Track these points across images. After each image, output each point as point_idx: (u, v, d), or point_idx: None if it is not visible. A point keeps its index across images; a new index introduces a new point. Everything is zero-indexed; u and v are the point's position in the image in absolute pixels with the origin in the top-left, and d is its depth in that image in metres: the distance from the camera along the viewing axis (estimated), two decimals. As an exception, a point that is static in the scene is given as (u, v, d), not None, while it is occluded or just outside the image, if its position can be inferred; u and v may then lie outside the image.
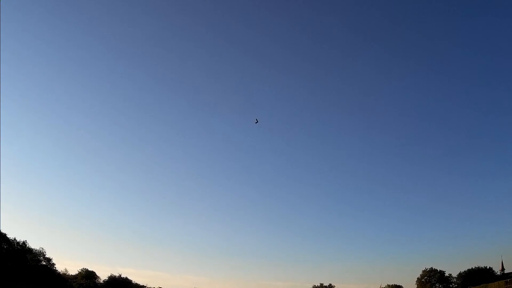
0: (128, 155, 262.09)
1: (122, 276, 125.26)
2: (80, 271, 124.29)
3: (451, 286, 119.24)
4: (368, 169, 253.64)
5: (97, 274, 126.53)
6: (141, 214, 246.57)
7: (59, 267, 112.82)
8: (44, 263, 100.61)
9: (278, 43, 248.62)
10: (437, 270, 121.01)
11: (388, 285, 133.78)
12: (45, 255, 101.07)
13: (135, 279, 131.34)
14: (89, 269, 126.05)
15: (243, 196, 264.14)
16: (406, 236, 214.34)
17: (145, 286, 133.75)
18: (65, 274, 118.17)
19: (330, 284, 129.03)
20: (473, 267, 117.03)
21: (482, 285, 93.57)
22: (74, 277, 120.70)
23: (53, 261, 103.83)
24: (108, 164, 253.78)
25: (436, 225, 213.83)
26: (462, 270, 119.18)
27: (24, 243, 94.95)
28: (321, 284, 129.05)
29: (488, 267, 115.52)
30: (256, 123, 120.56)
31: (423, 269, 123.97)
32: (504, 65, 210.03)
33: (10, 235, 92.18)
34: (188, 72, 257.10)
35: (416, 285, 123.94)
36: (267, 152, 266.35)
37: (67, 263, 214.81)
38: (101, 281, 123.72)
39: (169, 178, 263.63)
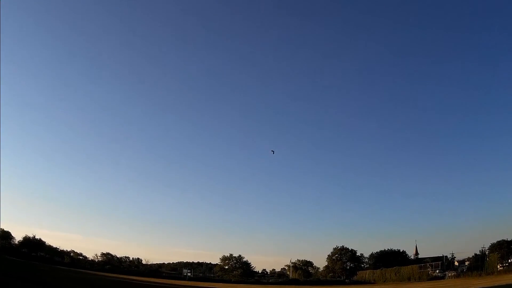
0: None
1: (36, 237, 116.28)
2: None
3: (362, 266, 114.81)
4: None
5: (13, 234, 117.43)
6: (56, 174, 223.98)
7: None
8: None
9: None
10: (348, 248, 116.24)
11: (298, 260, 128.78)
12: None
13: (49, 240, 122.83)
14: (5, 230, 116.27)
15: (159, 161, 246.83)
16: (320, 214, 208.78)
17: (58, 249, 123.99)
18: None
19: (240, 255, 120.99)
20: (386, 249, 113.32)
21: (395, 267, 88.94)
22: None
23: None
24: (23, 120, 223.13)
25: (350, 207, 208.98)
26: (374, 251, 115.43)
27: None
28: (231, 255, 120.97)
29: (401, 250, 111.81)
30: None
31: (334, 246, 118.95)
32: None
33: None
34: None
35: (327, 262, 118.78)
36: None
37: None
38: (16, 242, 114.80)
39: (86, 137, 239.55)
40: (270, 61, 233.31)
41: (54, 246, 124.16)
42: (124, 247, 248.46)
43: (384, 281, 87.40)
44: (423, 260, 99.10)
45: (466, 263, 79.76)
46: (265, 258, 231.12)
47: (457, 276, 68.13)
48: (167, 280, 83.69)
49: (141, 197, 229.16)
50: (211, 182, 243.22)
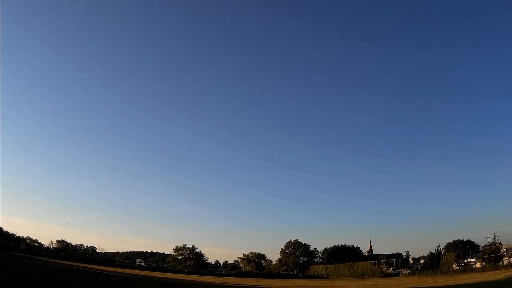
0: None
1: None
2: None
3: (316, 260, 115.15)
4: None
5: None
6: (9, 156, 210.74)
7: None
8: None
9: None
10: (301, 242, 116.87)
11: (251, 253, 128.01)
12: None
13: (3, 226, 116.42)
14: None
15: (117, 149, 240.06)
16: (274, 208, 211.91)
17: (14, 235, 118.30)
18: None
19: (193, 246, 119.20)
20: (340, 244, 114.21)
21: (349, 263, 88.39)
22: None
23: None
24: None
25: (305, 202, 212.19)
26: (328, 246, 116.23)
27: None
28: (184, 245, 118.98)
29: (355, 246, 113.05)
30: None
31: (288, 240, 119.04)
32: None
33: None
34: None
35: (280, 256, 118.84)
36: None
37: None
38: None
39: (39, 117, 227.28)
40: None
41: (10, 232, 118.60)
42: (79, 235, 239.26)
43: (338, 276, 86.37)
44: (377, 256, 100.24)
45: (421, 262, 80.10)
46: (218, 250, 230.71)
47: (412, 274, 67.77)
48: (120, 269, 79.17)
49: (96, 184, 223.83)
50: (167, 171, 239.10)
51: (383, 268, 79.50)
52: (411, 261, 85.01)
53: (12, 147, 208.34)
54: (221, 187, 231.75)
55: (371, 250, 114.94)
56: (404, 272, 71.40)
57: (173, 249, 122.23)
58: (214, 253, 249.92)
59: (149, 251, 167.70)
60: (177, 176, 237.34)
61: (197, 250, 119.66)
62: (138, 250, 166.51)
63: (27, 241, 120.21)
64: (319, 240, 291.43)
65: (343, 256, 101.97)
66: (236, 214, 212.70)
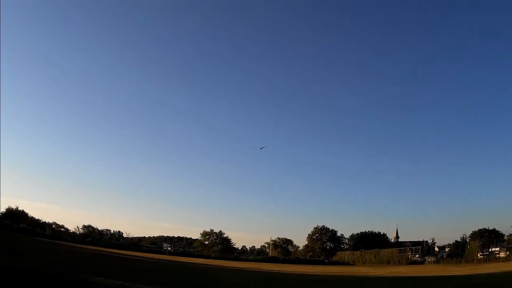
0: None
1: (19, 209, 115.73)
2: None
3: (342, 246, 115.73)
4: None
5: None
6: (35, 144, 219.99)
7: None
8: None
9: None
10: (328, 228, 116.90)
11: (278, 238, 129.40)
12: None
13: (30, 212, 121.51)
14: None
15: (143, 136, 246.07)
16: (302, 193, 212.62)
17: (40, 220, 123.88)
18: None
19: (220, 231, 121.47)
20: (366, 231, 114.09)
21: (375, 249, 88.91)
22: None
23: None
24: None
25: (333, 187, 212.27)
26: (355, 233, 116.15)
27: None
28: (211, 230, 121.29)
29: (382, 233, 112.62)
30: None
31: (315, 226, 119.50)
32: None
33: None
34: None
35: (306, 241, 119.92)
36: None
37: None
38: None
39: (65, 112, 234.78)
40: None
41: (36, 217, 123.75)
42: (106, 220, 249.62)
43: (363, 263, 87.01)
44: (403, 244, 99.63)
45: (447, 250, 79.60)
46: (245, 235, 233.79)
47: (437, 262, 67.61)
48: (147, 254, 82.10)
49: (124, 170, 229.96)
50: (195, 158, 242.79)
51: (408, 256, 79.74)
52: (436, 249, 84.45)
53: (38, 135, 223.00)
54: (250, 172, 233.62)
55: (397, 237, 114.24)
56: (429, 260, 71.08)
57: (200, 234, 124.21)
58: (241, 238, 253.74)
59: (175, 236, 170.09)
60: (205, 161, 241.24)
61: (224, 235, 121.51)
62: (165, 235, 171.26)
63: (53, 226, 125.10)
64: (346, 226, 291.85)
65: (370, 242, 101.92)
66: (264, 198, 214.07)
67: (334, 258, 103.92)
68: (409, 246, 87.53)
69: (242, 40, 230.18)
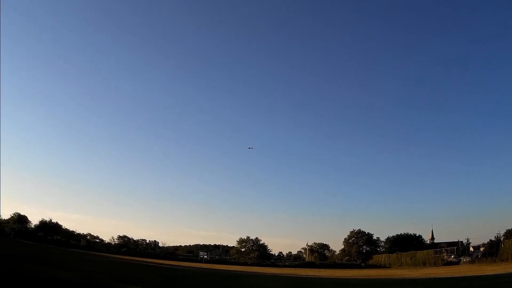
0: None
1: (52, 221, 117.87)
2: (12, 215, 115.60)
3: (378, 249, 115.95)
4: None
5: (29, 218, 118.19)
6: (68, 155, 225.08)
7: None
8: None
9: None
10: (364, 232, 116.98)
11: (315, 243, 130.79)
12: None
13: (64, 223, 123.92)
14: (21, 213, 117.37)
15: (176, 143, 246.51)
16: (337, 198, 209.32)
17: (74, 232, 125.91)
18: None
19: (257, 238, 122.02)
20: (402, 233, 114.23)
21: (411, 251, 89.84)
22: (7, 221, 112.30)
23: None
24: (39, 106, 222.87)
25: (368, 190, 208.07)
26: (391, 235, 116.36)
27: None
28: (248, 237, 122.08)
29: (417, 235, 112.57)
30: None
31: (351, 230, 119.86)
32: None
33: None
34: None
35: (343, 245, 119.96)
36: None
37: None
38: (33, 226, 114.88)
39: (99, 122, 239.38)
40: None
41: (71, 229, 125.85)
42: (141, 230, 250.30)
43: (400, 265, 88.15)
44: (438, 245, 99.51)
45: (481, 249, 79.51)
46: (281, 241, 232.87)
47: (472, 261, 68.41)
48: (183, 262, 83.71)
49: (158, 179, 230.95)
50: (230, 164, 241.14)
51: (444, 256, 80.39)
52: (471, 249, 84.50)
53: (72, 147, 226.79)
54: (285, 177, 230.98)
55: (432, 238, 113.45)
56: (464, 260, 71.79)
57: (237, 241, 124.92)
58: (277, 244, 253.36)
59: (212, 244, 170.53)
60: (240, 167, 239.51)
61: (261, 242, 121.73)
62: (201, 243, 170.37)
63: (88, 237, 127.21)
64: (382, 229, 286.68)
65: (405, 244, 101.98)
66: (299, 204, 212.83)
67: (371, 262, 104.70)
68: (444, 247, 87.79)
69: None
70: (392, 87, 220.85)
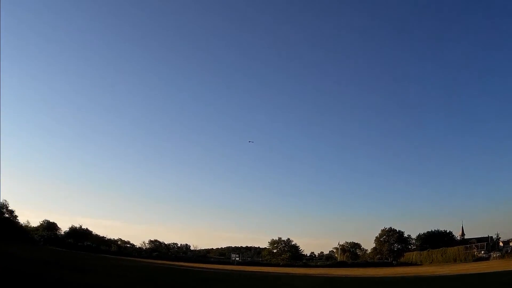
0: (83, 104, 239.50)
1: (83, 227, 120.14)
2: (41, 222, 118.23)
3: (409, 247, 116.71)
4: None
5: (58, 225, 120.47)
6: (97, 162, 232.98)
7: (22, 219, 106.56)
8: (7, 215, 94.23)
9: None
10: (396, 230, 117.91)
11: (347, 242, 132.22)
12: (8, 207, 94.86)
13: (94, 229, 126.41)
14: (51, 221, 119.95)
15: (206, 146, 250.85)
16: (367, 196, 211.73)
17: (105, 238, 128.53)
18: (27, 226, 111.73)
19: (289, 239, 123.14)
20: (433, 230, 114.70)
21: (441, 248, 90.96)
22: (36, 228, 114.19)
23: (16, 213, 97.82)
24: (66, 111, 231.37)
25: (398, 187, 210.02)
26: (422, 232, 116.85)
27: None
28: (279, 238, 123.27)
29: (448, 231, 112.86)
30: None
31: (382, 228, 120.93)
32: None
33: None
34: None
35: (374, 244, 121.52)
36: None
37: (28, 215, 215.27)
38: (62, 233, 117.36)
39: (129, 127, 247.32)
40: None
41: (101, 235, 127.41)
42: (173, 234, 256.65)
43: (430, 262, 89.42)
44: (468, 241, 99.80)
45: (511, 244, 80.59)
46: (313, 241, 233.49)
47: (502, 257, 69.16)
48: (214, 265, 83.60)
49: (191, 184, 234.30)
50: (261, 167, 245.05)
51: (474, 252, 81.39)
52: (501, 244, 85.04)
53: (101, 153, 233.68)
54: (316, 180, 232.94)
55: (463, 234, 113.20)
56: (494, 255, 72.58)
57: (268, 242, 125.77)
58: (309, 245, 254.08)
59: (243, 246, 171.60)
60: (271, 171, 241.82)
61: (293, 243, 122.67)
62: (233, 246, 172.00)
63: (118, 243, 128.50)
64: (413, 226, 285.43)
65: (436, 241, 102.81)
66: (330, 203, 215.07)
67: (402, 259, 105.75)
68: (474, 243, 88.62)
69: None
70: (423, 79, 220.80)
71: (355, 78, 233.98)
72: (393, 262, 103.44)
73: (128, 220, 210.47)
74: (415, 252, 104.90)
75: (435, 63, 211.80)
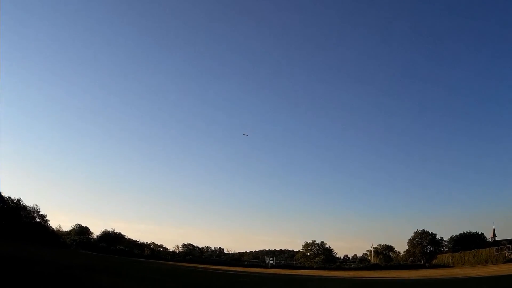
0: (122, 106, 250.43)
1: (115, 231, 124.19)
2: (73, 227, 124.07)
3: (442, 249, 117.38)
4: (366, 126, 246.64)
5: (90, 229, 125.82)
6: (131, 167, 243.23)
7: (53, 223, 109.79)
8: (38, 220, 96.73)
9: None
10: (428, 232, 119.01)
11: (380, 245, 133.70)
12: (39, 211, 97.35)
13: (126, 233, 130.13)
14: (83, 225, 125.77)
15: (238, 149, 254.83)
16: (399, 198, 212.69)
17: (138, 241, 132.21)
18: (59, 230, 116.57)
19: (322, 242, 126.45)
20: (465, 232, 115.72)
21: (473, 250, 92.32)
22: (68, 233, 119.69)
23: (47, 217, 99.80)
24: (101, 115, 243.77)
25: (430, 189, 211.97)
26: (454, 234, 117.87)
27: (18, 200, 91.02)
28: (313, 241, 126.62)
29: (479, 233, 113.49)
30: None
31: (415, 230, 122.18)
32: None
33: (4, 193, 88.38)
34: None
35: (407, 246, 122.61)
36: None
37: (61, 219, 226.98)
38: (95, 237, 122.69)
39: (163, 130, 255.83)
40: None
41: (134, 239, 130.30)
42: (206, 237, 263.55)
43: (463, 264, 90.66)
44: (500, 242, 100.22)
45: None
46: (347, 244, 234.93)
47: (532, 258, 70.58)
48: (248, 268, 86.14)
49: (224, 187, 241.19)
50: (295, 171, 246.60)
51: (505, 254, 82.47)
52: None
53: (136, 157, 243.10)
54: (349, 183, 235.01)
55: (494, 235, 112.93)
56: (525, 257, 73.32)
57: (302, 245, 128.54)
58: (342, 247, 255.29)
59: (277, 249, 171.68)
60: (306, 174, 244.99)
61: (326, 246, 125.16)
62: (267, 249, 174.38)
63: (152, 246, 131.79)
64: (445, 228, 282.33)
65: (468, 243, 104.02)
66: (364, 205, 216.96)
67: (434, 262, 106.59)
68: (505, 244, 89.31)
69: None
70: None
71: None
72: (426, 264, 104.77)
73: (161, 224, 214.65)
74: (447, 254, 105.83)
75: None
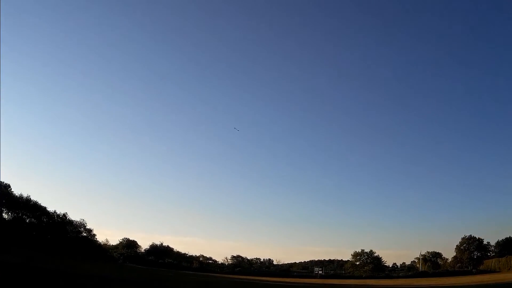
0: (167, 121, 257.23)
1: (164, 244, 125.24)
2: (121, 240, 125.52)
3: (489, 254, 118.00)
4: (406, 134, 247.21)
5: (138, 243, 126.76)
6: (174, 181, 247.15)
7: (100, 237, 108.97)
8: (84, 234, 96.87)
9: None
10: (475, 237, 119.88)
11: (428, 252, 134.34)
12: (85, 226, 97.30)
13: (175, 246, 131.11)
14: (130, 238, 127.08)
15: (283, 161, 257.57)
16: (446, 203, 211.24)
17: (187, 254, 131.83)
18: (106, 244, 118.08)
19: (371, 250, 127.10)
20: (511, 236, 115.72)
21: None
22: (115, 247, 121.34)
23: (94, 232, 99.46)
24: (144, 130, 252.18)
25: (476, 193, 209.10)
26: (500, 239, 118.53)
27: (64, 215, 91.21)
28: (362, 250, 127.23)
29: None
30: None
31: (462, 236, 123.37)
32: None
33: (50, 208, 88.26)
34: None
35: (455, 253, 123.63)
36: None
37: (108, 233, 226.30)
38: (142, 250, 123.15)
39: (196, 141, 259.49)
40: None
41: (182, 252, 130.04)
42: (255, 249, 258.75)
43: (509, 268, 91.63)
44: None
45: None
46: (395, 252, 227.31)
47: None
48: (297, 279, 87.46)
49: (273, 199, 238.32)
50: (342, 184, 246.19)
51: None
52: None
53: (182, 171, 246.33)
54: (396, 190, 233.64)
55: None
56: None
57: (351, 255, 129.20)
58: (391, 256, 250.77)
59: (326, 259, 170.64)
60: (352, 185, 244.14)
61: (375, 254, 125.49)
62: (316, 259, 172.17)
63: (200, 259, 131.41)
64: (492, 233, 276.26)
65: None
66: (411, 213, 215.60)
67: (481, 267, 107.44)
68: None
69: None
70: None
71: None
72: (473, 270, 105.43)
73: (209, 237, 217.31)
74: (493, 259, 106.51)
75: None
